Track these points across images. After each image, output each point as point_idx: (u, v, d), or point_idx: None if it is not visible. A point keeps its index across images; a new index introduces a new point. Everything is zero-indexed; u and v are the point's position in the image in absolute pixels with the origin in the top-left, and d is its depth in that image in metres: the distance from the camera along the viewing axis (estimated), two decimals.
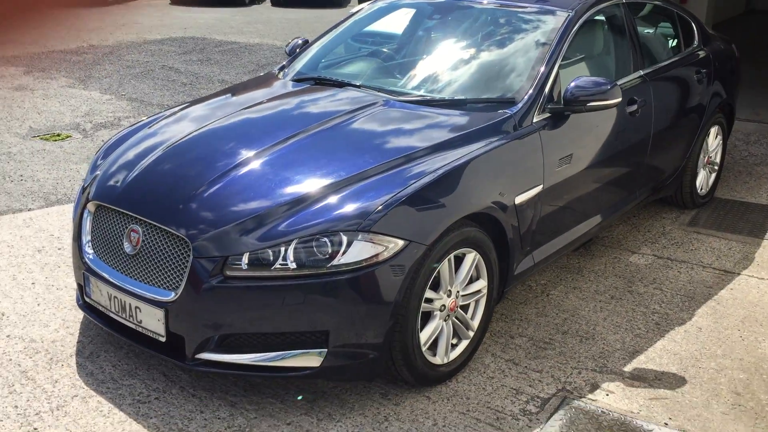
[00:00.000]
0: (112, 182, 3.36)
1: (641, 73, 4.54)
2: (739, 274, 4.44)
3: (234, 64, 10.28)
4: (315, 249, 2.86)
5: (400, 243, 2.90)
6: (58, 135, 6.64)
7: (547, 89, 3.76)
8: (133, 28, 13.45)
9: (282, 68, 4.54)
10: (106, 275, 3.16)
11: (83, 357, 3.36)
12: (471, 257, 3.22)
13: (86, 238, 3.33)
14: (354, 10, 4.98)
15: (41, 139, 6.52)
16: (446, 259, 3.08)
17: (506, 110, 3.65)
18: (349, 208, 2.95)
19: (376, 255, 2.86)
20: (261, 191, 3.08)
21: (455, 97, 3.82)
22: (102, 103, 7.82)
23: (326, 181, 3.09)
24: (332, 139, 3.46)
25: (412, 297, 2.96)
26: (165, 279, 3.00)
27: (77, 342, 3.47)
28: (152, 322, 2.98)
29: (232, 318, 2.89)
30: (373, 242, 2.87)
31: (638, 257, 4.62)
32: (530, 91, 3.72)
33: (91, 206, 3.35)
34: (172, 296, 2.94)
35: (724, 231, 5.05)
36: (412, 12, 4.81)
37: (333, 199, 3.00)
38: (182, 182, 3.19)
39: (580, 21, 4.16)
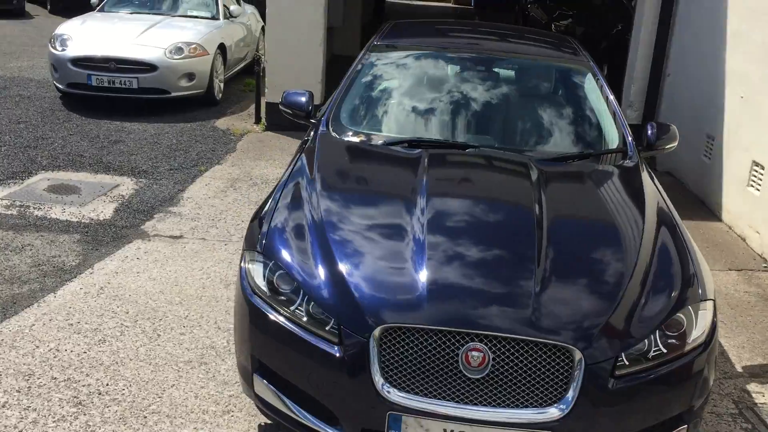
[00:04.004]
0: (395, 297, 2.86)
1: None
2: None
3: None
4: (670, 330, 2.91)
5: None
6: None
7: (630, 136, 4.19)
8: None
9: (325, 130, 4.11)
10: (436, 409, 2.71)
11: None
12: None
13: (377, 370, 2.77)
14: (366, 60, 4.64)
15: None
16: None
17: (628, 160, 4.02)
18: (676, 284, 3.06)
19: (713, 321, 3.06)
20: (587, 281, 3.01)
21: (579, 150, 4.12)
22: None
23: (619, 259, 3.12)
24: (567, 214, 3.45)
25: None
26: (536, 395, 2.72)
27: None
28: None
29: (627, 421, 2.82)
30: (708, 309, 3.05)
31: None
32: (629, 139, 4.14)
33: (377, 332, 2.78)
34: (556, 413, 2.69)
35: None
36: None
37: (649, 276, 3.05)
38: (501, 282, 2.95)
39: None
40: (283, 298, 3.02)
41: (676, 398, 2.92)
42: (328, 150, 3.97)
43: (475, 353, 2.72)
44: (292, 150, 7.57)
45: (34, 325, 4.11)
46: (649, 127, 4.23)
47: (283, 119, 8.09)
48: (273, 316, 3.00)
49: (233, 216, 5.88)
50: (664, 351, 2.87)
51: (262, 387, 3.08)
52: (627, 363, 2.79)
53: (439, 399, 2.74)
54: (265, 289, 3.07)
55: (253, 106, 9.31)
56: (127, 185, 6.41)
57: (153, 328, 4.15)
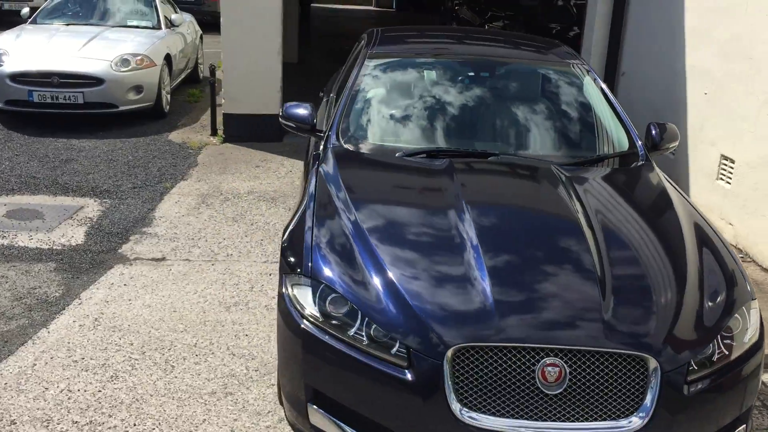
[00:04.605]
0: (465, 315, 2.78)
1: None
2: None
3: None
4: (728, 332, 2.93)
5: None
6: None
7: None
8: None
9: (336, 143, 3.99)
10: (518, 429, 2.65)
11: None
12: None
13: (451, 393, 2.67)
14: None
15: None
16: None
17: (639, 161, 4.07)
18: (727, 284, 3.10)
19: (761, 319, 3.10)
20: (648, 287, 2.98)
21: (596, 154, 4.18)
22: None
23: (671, 263, 3.13)
24: (609, 220, 3.43)
25: None
26: (612, 407, 2.69)
27: None
28: None
29: (701, 426, 2.83)
30: (756, 308, 3.11)
31: None
32: (637, 141, 4.19)
33: (450, 353, 2.69)
34: (637, 422, 2.67)
35: None
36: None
37: (703, 279, 3.08)
38: (567, 294, 2.88)
39: None
40: (336, 322, 2.89)
41: (737, 399, 2.95)
42: (348, 164, 3.85)
43: (550, 368, 2.67)
44: (255, 162, 7.39)
45: (35, 364, 3.83)
46: (652, 128, 4.28)
47: (242, 131, 7.98)
48: (330, 342, 2.87)
49: (213, 234, 5.66)
50: (726, 353, 2.89)
51: (318, 417, 2.94)
52: (696, 368, 2.80)
53: (518, 418, 2.68)
54: (317, 314, 2.93)
55: (203, 118, 9.05)
56: (91, 207, 6.09)
57: (164, 360, 3.93)
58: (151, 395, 3.62)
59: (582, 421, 2.68)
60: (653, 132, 4.26)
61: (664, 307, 2.88)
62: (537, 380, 2.67)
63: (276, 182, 6.86)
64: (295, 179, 6.92)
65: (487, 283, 2.87)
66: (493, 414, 2.68)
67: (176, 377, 3.78)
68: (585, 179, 3.81)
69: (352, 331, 2.85)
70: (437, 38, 5.46)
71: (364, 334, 2.83)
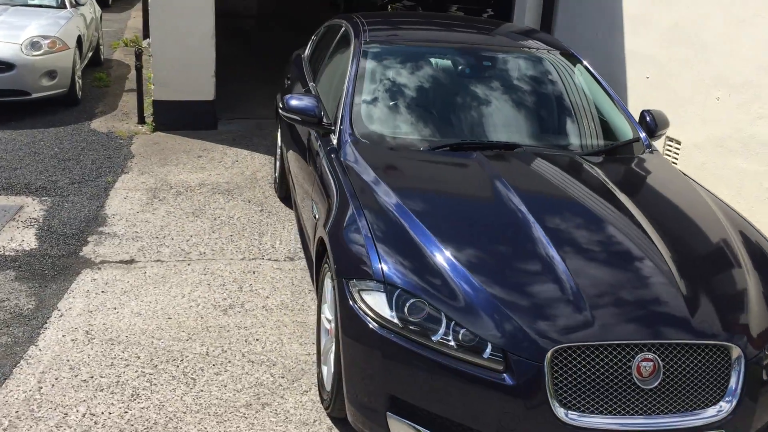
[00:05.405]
0: (560, 315, 2.74)
1: None
2: None
3: None
4: None
5: None
6: None
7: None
8: None
9: (354, 137, 3.85)
10: (622, 427, 2.67)
11: None
12: None
13: (552, 395, 2.64)
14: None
15: None
16: None
17: (649, 147, 4.21)
18: None
19: None
20: (716, 276, 3.06)
21: (608, 144, 4.24)
22: None
23: (726, 249, 3.22)
24: (654, 209, 3.48)
25: None
26: (697, 398, 2.75)
27: None
28: None
29: None
30: None
31: None
32: (638, 127, 4.28)
33: (549, 354, 2.65)
34: (726, 408, 2.76)
35: None
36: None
37: (755, 262, 3.19)
38: (649, 288, 2.91)
39: None
40: (415, 328, 2.79)
41: None
42: (377, 159, 3.70)
43: (645, 363, 2.70)
44: (196, 153, 7.01)
45: (41, 387, 3.47)
46: (646, 115, 4.40)
47: (174, 119, 7.56)
48: (414, 349, 2.76)
49: (177, 231, 5.33)
50: None
51: (401, 427, 2.83)
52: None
53: (618, 416, 2.69)
54: (396, 320, 2.81)
55: (121, 104, 8.52)
56: (32, 206, 5.58)
57: (181, 372, 3.67)
58: (184, 413, 3.37)
59: (676, 413, 2.73)
60: (648, 119, 4.38)
61: (736, 296, 2.97)
62: (633, 376, 2.69)
63: (225, 173, 6.55)
64: (245, 170, 6.64)
65: (573, 280, 2.85)
66: (593, 413, 2.68)
67: (202, 391, 3.54)
68: (616, 169, 3.87)
69: (437, 337, 2.76)
70: (422, 26, 5.35)
71: (451, 338, 2.75)
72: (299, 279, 4.74)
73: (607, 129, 4.35)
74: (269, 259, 5.00)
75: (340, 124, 3.97)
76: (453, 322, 2.75)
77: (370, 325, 2.84)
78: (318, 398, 3.53)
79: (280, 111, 4.14)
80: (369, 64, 4.29)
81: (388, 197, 3.31)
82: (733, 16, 5.69)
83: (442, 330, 2.76)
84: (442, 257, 2.95)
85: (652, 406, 2.71)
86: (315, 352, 3.87)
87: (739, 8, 5.65)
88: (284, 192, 5.88)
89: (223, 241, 5.22)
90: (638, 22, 6.85)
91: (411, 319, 2.80)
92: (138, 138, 7.37)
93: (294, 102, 4.05)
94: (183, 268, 4.81)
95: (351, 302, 2.93)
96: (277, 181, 5.99)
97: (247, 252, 5.09)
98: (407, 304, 2.82)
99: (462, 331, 2.74)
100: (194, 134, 7.52)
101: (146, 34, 12.08)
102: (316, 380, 3.64)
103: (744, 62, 5.58)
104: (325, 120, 4.08)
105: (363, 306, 2.89)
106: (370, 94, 4.15)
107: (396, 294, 2.84)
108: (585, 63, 4.70)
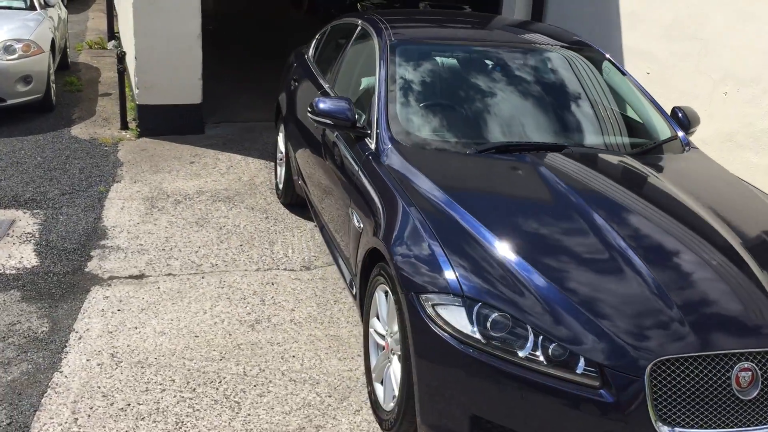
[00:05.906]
0: (656, 326, 2.63)
1: None
2: None
3: None
4: None
5: None
6: None
7: None
8: None
9: (395, 142, 3.67)
10: None
11: None
12: None
13: (653, 410, 2.52)
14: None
15: None
16: None
17: (688, 145, 4.10)
18: None
19: None
20: None
21: (650, 143, 4.09)
22: None
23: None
24: (715, 208, 3.36)
25: None
26: None
27: None
28: None
29: None
30: None
31: None
32: (674, 124, 4.21)
33: (649, 368, 2.53)
34: None
35: None
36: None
37: None
38: (738, 293, 2.79)
39: None
40: (498, 343, 2.64)
41: None
42: (426, 164, 3.53)
43: (743, 373, 2.60)
44: (188, 158, 6.73)
45: (77, 419, 3.22)
46: (678, 112, 4.33)
47: (159, 124, 7.26)
48: (501, 366, 2.61)
49: (184, 243, 5.08)
50: None
51: None
52: None
53: (719, 428, 2.58)
54: (478, 335, 2.66)
55: (99, 109, 8.16)
56: (25, 220, 5.26)
57: (223, 395, 3.45)
58: None
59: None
60: (680, 115, 4.31)
61: None
62: (732, 386, 2.59)
63: (222, 179, 6.30)
64: (241, 176, 6.40)
65: (661, 287, 2.73)
66: (693, 427, 2.56)
67: (250, 415, 3.33)
68: (668, 168, 3.79)
69: (524, 352, 2.61)
70: (443, 24, 5.15)
71: (540, 353, 2.60)
72: (321, 289, 4.54)
73: (645, 127, 4.26)
74: (285, 269, 4.79)
75: (377, 128, 3.79)
76: (541, 336, 2.61)
77: (450, 342, 2.68)
78: (372, 418, 3.35)
79: (309, 115, 3.93)
80: (399, 64, 4.11)
81: (449, 204, 3.15)
82: (739, 11, 5.68)
83: (529, 345, 2.62)
84: (519, 266, 2.80)
85: (752, 417, 2.61)
86: (359, 368, 3.69)
87: (744, 1, 5.64)
88: (290, 199, 5.66)
89: (234, 252, 4.99)
90: (634, 20, 6.81)
91: (494, 334, 2.65)
92: (124, 144, 7.05)
93: (325, 105, 3.86)
94: (197, 281, 4.57)
95: (425, 318, 2.76)
96: (282, 187, 5.76)
97: (260, 262, 4.87)
98: (489, 319, 2.67)
99: (552, 346, 2.60)
100: (182, 139, 7.23)
101: (111, 36, 11.68)
102: (368, 399, 3.46)
103: (753, 56, 5.57)
104: (358, 123, 3.90)
105: (439, 322, 2.73)
106: (404, 96, 3.98)
107: (476, 308, 2.69)
108: (613, 61, 4.60)
